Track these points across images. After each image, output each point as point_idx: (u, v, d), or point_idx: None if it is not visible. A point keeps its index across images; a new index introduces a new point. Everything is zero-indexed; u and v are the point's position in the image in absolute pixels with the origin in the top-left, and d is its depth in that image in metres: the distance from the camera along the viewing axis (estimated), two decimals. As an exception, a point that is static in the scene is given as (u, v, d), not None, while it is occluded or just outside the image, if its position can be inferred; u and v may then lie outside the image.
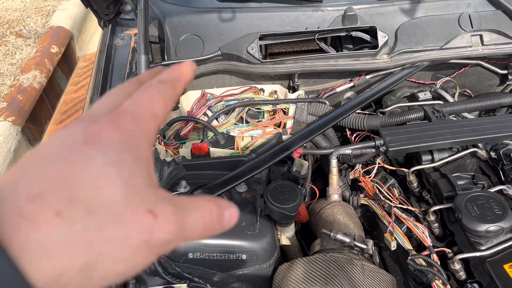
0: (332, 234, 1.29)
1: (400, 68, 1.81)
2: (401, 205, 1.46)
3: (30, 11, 5.00)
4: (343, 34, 1.83)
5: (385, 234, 1.39)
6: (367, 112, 1.80)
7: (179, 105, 1.81)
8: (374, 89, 1.77)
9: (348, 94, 1.96)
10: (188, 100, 1.81)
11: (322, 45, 1.83)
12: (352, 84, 1.90)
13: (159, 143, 1.60)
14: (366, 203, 1.54)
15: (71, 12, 4.97)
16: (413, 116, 1.64)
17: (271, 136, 1.60)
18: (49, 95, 4.20)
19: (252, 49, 1.78)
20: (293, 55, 1.89)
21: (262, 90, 1.84)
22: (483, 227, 1.21)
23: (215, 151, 1.59)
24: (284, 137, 1.61)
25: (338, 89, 1.90)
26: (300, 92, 1.82)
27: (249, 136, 1.67)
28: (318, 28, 1.82)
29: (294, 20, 1.85)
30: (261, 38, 1.81)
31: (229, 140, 1.65)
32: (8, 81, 3.96)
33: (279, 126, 1.72)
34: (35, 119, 3.84)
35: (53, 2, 5.20)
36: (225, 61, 1.84)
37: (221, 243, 1.26)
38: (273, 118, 1.74)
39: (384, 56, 1.79)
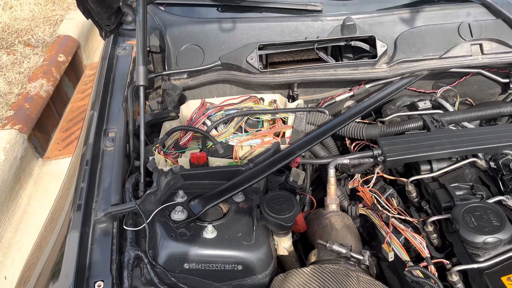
0: (328, 245, 1.28)
1: (399, 77, 1.81)
2: (399, 215, 1.45)
3: (38, 21, 5.08)
4: (342, 43, 1.84)
5: (382, 245, 1.38)
6: (367, 122, 1.80)
7: (179, 114, 1.82)
8: (372, 98, 1.77)
9: (348, 103, 1.96)
10: (189, 109, 1.83)
11: (321, 54, 1.84)
12: (351, 93, 1.90)
13: (159, 153, 1.61)
14: (365, 213, 1.54)
15: (78, 22, 5.05)
16: (412, 125, 1.63)
17: (270, 146, 1.60)
18: (56, 103, 4.25)
19: (252, 59, 1.79)
20: (294, 64, 1.90)
21: (262, 99, 1.85)
22: (480, 239, 1.20)
23: (214, 161, 1.60)
24: (283, 146, 1.61)
25: (337, 98, 1.90)
26: (299, 102, 1.82)
27: (248, 146, 1.68)
28: (317, 37, 1.83)
29: (293, 30, 1.86)
30: (261, 48, 1.82)
31: (228, 150, 1.65)
32: (15, 90, 4.01)
33: (278, 135, 1.72)
34: (41, 127, 3.89)
35: (61, 11, 5.28)
36: (225, 70, 1.86)
37: (217, 253, 1.25)
38: (272, 127, 1.74)
39: (383, 66, 1.79)
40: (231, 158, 1.62)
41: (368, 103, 1.75)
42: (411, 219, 1.45)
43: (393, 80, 1.82)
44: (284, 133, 1.72)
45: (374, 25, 1.83)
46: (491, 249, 1.22)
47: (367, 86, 1.87)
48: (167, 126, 1.74)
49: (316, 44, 1.82)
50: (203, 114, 1.76)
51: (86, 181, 1.42)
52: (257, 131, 1.71)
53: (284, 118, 1.77)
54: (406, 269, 1.27)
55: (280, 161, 1.49)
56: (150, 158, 1.52)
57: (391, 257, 1.36)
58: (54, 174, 3.57)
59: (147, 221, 1.29)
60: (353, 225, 1.47)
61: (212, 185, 1.47)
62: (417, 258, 1.41)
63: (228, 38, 1.87)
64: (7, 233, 3.12)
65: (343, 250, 1.27)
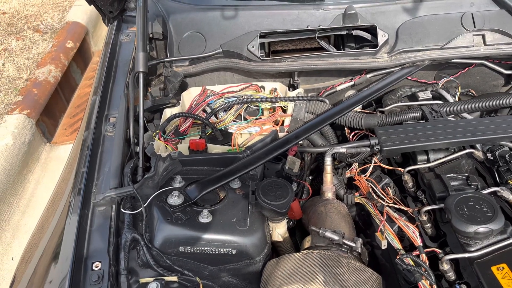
0: (321, 231, 1.30)
1: (400, 67, 1.80)
2: (394, 205, 1.46)
3: (47, 7, 5.11)
4: (343, 32, 1.83)
5: (376, 233, 1.39)
6: (366, 111, 1.80)
7: (180, 101, 1.84)
8: (372, 88, 1.77)
9: (349, 92, 1.96)
10: (190, 96, 1.84)
11: (323, 43, 1.84)
12: (352, 82, 1.90)
13: (159, 139, 1.63)
14: (360, 202, 1.55)
15: (87, 8, 5.06)
16: (411, 115, 1.63)
17: (268, 134, 1.62)
18: (64, 89, 4.29)
19: (253, 46, 1.80)
20: (296, 53, 1.90)
21: (263, 87, 1.86)
22: (472, 228, 1.21)
23: (213, 147, 1.62)
24: (281, 134, 1.62)
25: (338, 88, 1.90)
26: (299, 90, 1.83)
27: (247, 133, 1.69)
28: (319, 26, 1.82)
29: (295, 19, 1.86)
30: (262, 36, 1.83)
31: (227, 137, 1.67)
32: (24, 75, 4.06)
33: (277, 123, 1.73)
34: (49, 112, 3.94)
35: (70, -3, 5.30)
36: (226, 58, 1.87)
37: (211, 237, 1.28)
38: (271, 115, 1.76)
39: (384, 55, 1.79)
40: (230, 145, 1.64)
41: (368, 93, 1.76)
42: (406, 209, 1.46)
43: (394, 70, 1.82)
44: (283, 121, 1.74)
45: (376, 14, 1.82)
46: (483, 239, 1.23)
47: (369, 75, 1.87)
48: (167, 112, 1.76)
49: (318, 32, 1.82)
50: (204, 101, 1.77)
51: (86, 165, 1.45)
52: (256, 119, 1.72)
53: (284, 106, 1.78)
54: (398, 257, 1.29)
55: (277, 149, 1.51)
56: (150, 143, 1.54)
57: (384, 245, 1.38)
58: (61, 159, 3.62)
59: (144, 205, 1.32)
60: (347, 213, 1.48)
61: (209, 171, 1.49)
62: (410, 247, 1.42)
63: (230, 26, 1.87)
64: (15, 215, 3.19)
65: (336, 237, 1.29)
